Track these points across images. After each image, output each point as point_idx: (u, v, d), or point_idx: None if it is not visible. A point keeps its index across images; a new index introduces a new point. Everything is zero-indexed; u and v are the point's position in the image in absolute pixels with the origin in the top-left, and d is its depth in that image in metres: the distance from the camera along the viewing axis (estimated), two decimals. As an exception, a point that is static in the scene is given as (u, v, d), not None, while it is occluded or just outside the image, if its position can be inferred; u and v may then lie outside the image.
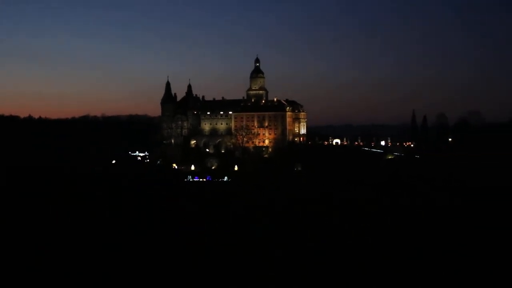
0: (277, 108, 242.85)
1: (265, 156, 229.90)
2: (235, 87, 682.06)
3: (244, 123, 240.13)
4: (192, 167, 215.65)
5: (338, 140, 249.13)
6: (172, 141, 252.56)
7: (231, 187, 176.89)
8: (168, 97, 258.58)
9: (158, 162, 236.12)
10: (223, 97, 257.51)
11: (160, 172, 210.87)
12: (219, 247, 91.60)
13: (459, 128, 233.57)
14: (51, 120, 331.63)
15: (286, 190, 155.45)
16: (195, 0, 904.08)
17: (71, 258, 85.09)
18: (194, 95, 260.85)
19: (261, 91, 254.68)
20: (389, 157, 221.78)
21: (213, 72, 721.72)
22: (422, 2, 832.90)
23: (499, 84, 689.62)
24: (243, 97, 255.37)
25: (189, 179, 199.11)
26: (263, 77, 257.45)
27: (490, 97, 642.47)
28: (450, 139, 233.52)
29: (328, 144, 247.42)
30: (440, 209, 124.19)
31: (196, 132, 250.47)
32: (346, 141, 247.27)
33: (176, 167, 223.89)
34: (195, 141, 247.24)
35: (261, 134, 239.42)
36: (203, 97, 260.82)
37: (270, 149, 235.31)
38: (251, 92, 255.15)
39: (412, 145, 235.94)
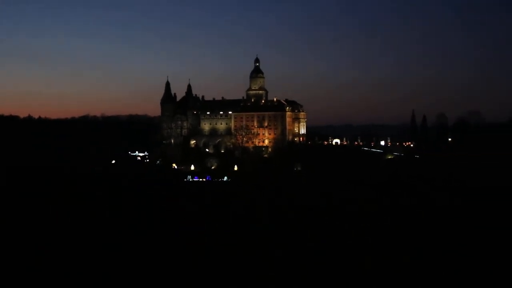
0: (277, 108, 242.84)
1: (264, 156, 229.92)
2: (235, 87, 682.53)
3: (243, 123, 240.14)
4: (192, 167, 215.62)
5: (338, 140, 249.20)
6: (172, 141, 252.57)
7: (231, 187, 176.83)
8: (168, 97, 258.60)
9: (158, 162, 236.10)
10: (223, 97, 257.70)
11: (160, 172, 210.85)
12: (219, 247, 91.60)
13: (458, 128, 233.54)
14: (51, 120, 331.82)
15: (285, 190, 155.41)
16: (195, 0, 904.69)
17: (71, 258, 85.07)
18: (194, 95, 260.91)
19: (261, 91, 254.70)
20: (389, 157, 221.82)
21: (213, 72, 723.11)
22: (422, 2, 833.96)
23: (499, 84, 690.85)
24: (243, 97, 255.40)
25: (189, 179, 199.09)
26: (263, 77, 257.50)
27: (490, 97, 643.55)
28: (449, 139, 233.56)
29: (328, 144, 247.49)
30: (439, 209, 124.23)
31: (196, 132, 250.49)
32: (346, 141, 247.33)
33: (176, 167, 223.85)
34: (195, 141, 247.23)
35: (260, 134, 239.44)
36: (202, 97, 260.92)
37: (269, 149, 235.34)
38: (251, 92, 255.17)
39: (411, 145, 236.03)
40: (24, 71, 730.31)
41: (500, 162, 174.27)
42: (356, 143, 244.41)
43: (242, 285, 73.11)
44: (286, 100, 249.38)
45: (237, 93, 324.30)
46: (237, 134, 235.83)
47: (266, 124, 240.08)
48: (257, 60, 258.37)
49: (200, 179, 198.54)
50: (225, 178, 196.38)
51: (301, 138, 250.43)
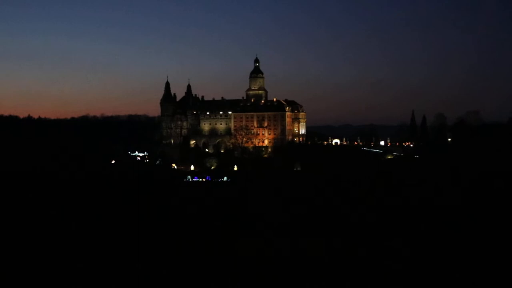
0: (277, 108, 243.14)
1: (264, 156, 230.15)
2: (234, 87, 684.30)
3: (243, 123, 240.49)
4: (192, 167, 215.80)
5: (337, 140, 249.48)
6: (172, 141, 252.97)
7: (231, 187, 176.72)
8: (167, 97, 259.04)
9: (158, 162, 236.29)
10: (222, 97, 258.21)
11: (159, 172, 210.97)
12: (219, 246, 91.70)
13: (458, 128, 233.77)
14: (50, 120, 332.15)
15: (285, 190, 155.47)
16: (195, 0, 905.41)
17: (70, 259, 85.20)
18: (194, 95, 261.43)
19: (260, 91, 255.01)
20: (389, 157, 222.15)
21: (213, 72, 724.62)
22: (422, 2, 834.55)
23: (498, 84, 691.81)
24: (243, 97, 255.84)
25: (189, 179, 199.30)
26: (263, 77, 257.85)
27: (490, 97, 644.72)
28: (449, 139, 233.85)
29: (328, 144, 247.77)
30: (439, 209, 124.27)
31: (195, 132, 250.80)
32: (346, 141, 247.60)
33: (175, 167, 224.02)
34: (194, 141, 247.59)
35: (260, 134, 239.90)
36: (202, 97, 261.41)
37: (269, 149, 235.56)
38: (251, 92, 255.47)
39: (411, 145, 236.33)
40: (24, 71, 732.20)
41: (500, 162, 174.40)
42: (355, 143, 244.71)
43: (242, 285, 73.27)
44: (286, 100, 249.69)
45: (237, 93, 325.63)
46: (237, 134, 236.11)
47: (265, 124, 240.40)
48: (256, 60, 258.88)
49: (200, 179, 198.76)
50: (225, 178, 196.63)
51: (300, 138, 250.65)
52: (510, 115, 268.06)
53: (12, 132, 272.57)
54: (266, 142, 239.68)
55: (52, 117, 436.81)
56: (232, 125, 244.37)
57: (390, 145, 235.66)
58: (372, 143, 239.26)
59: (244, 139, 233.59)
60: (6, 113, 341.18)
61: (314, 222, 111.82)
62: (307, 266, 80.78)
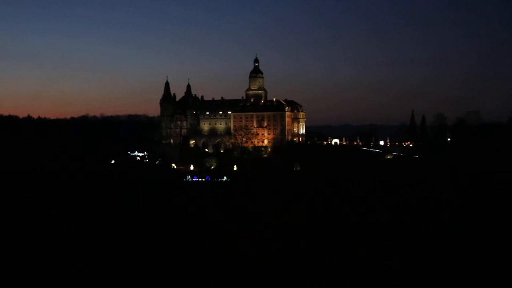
0: (276, 108, 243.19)
1: (264, 156, 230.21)
2: (234, 87, 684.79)
3: (243, 123, 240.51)
4: (191, 167, 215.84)
5: (337, 140, 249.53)
6: (171, 141, 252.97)
7: (231, 187, 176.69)
8: (167, 97, 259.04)
9: (157, 162, 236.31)
10: (222, 97, 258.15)
11: (159, 172, 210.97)
12: (219, 247, 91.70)
13: (457, 128, 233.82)
14: (50, 120, 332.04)
15: (284, 190, 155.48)
16: (195, 0, 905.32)
17: (70, 259, 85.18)
18: (193, 95, 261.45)
19: (260, 91, 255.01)
20: (388, 157, 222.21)
21: (212, 72, 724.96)
22: (422, 2, 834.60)
23: (498, 84, 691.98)
24: (242, 97, 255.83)
25: (188, 179, 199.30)
26: (262, 77, 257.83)
27: (489, 97, 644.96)
28: (449, 139, 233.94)
29: (327, 144, 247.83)
30: (439, 209, 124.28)
31: (195, 132, 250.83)
32: (345, 141, 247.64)
33: (175, 167, 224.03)
34: (194, 141, 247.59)
35: (260, 134, 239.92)
36: (202, 97, 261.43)
37: (269, 149, 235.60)
38: (250, 92, 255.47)
39: (411, 145, 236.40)
40: (24, 71, 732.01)
41: (499, 162, 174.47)
42: (355, 143, 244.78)
43: (242, 285, 73.28)
44: (286, 100, 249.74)
45: (237, 93, 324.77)
46: (237, 134, 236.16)
47: (265, 124, 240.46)
48: (256, 60, 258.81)
49: (200, 179, 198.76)
50: (225, 178, 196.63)
51: (300, 138, 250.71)
52: (510, 115, 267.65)
53: (12, 132, 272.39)
54: (265, 142, 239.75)
55: (52, 117, 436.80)
56: (231, 125, 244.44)
57: (389, 145, 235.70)
58: (372, 143, 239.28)
59: (243, 139, 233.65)
60: (6, 113, 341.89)
61: (314, 222, 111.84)
62: (307, 266, 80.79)
